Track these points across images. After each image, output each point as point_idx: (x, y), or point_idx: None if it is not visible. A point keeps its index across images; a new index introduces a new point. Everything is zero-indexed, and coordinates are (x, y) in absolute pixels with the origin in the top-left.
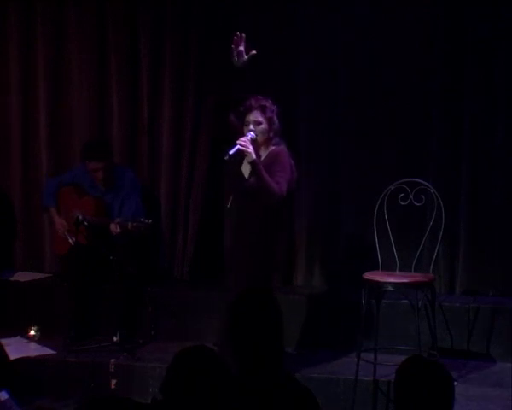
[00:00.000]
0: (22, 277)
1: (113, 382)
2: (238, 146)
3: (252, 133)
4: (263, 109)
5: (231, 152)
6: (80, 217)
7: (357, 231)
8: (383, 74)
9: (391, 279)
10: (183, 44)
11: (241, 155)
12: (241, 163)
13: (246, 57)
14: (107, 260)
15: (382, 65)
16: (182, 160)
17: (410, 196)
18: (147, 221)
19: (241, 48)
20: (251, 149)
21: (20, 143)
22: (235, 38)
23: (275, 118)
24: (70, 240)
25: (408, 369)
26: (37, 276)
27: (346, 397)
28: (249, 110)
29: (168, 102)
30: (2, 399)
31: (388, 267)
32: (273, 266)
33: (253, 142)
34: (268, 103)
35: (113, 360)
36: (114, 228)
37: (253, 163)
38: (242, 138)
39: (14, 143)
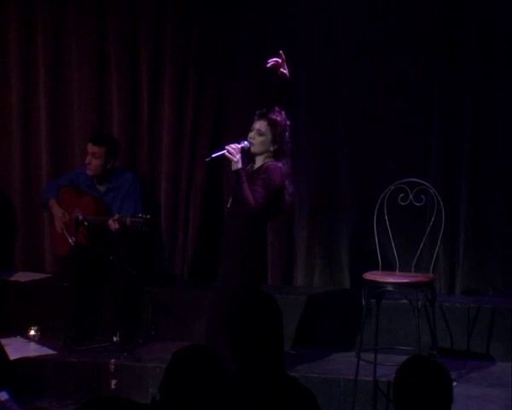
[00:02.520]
0: (22, 277)
1: (113, 382)
2: (225, 151)
3: (246, 142)
4: (271, 123)
5: (214, 155)
6: (80, 217)
7: (357, 231)
8: (383, 74)
9: (391, 279)
10: (183, 44)
11: (227, 160)
12: None
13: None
14: (107, 260)
15: (382, 65)
16: (182, 160)
17: (410, 196)
18: (145, 216)
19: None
20: (236, 158)
21: (21, 143)
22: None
23: (284, 135)
24: (70, 240)
25: (407, 367)
26: (37, 276)
27: (346, 397)
28: (259, 116)
29: (168, 102)
30: (2, 399)
31: (388, 267)
32: (248, 269)
33: (245, 151)
34: (280, 118)
35: (113, 360)
36: (113, 224)
37: (235, 172)
38: (232, 145)
39: (14, 143)
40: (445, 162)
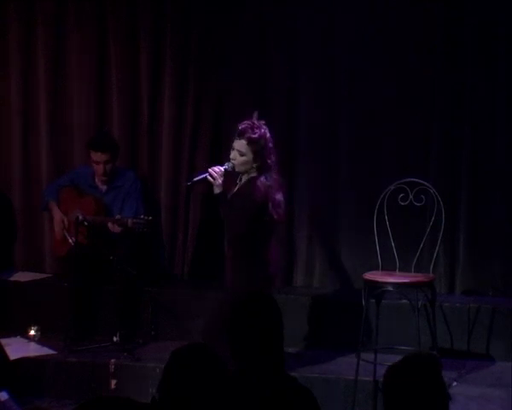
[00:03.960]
0: (22, 277)
1: (113, 382)
2: (207, 175)
3: (229, 164)
4: (250, 142)
5: (195, 179)
6: (80, 217)
7: (357, 231)
8: (383, 74)
9: (391, 279)
10: (183, 44)
11: (209, 183)
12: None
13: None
14: (107, 260)
15: (383, 65)
16: (182, 160)
17: (410, 196)
18: (147, 218)
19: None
20: (218, 183)
21: (21, 143)
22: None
23: (265, 150)
24: (70, 240)
25: (397, 366)
26: (37, 276)
27: (346, 397)
28: (238, 136)
29: (168, 102)
30: (3, 399)
31: (388, 267)
32: (251, 275)
33: (229, 172)
34: (259, 134)
35: (113, 360)
36: (114, 226)
37: (217, 196)
38: (216, 168)
39: (14, 143)
40: (445, 162)
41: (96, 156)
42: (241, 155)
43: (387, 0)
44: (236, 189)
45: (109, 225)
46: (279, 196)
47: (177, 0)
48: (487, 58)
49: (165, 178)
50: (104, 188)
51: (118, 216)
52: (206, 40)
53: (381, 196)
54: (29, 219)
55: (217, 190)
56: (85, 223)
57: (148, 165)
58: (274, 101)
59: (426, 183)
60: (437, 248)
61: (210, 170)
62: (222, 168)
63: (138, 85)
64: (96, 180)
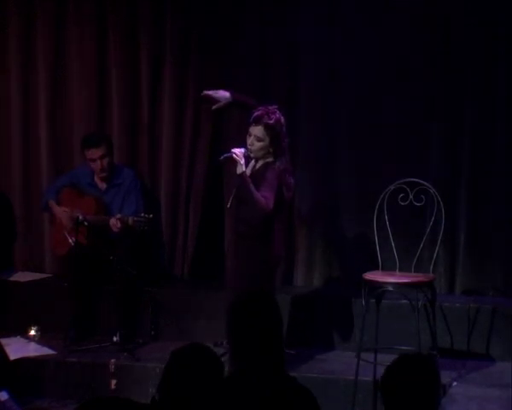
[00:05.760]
0: (22, 277)
1: (113, 382)
2: (232, 154)
3: (246, 150)
4: (267, 128)
5: (224, 156)
6: (80, 217)
7: (357, 231)
8: (384, 74)
9: (391, 279)
10: (183, 44)
11: (233, 162)
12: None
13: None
14: (107, 260)
15: (383, 65)
16: (182, 160)
17: (410, 196)
18: (147, 216)
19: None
20: (242, 162)
21: (20, 143)
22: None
23: (281, 135)
24: (70, 240)
25: (394, 367)
26: (37, 276)
27: (346, 397)
28: (255, 122)
29: (168, 102)
30: (2, 399)
31: (388, 267)
32: (262, 270)
33: (246, 155)
34: (275, 119)
35: (113, 360)
36: (115, 223)
37: (241, 175)
38: (238, 149)
39: (14, 144)
40: (445, 162)
41: (91, 153)
42: (259, 140)
43: (387, 0)
44: (251, 173)
45: (111, 221)
46: (291, 179)
47: (177, 0)
48: (487, 58)
49: (165, 178)
50: (104, 186)
51: (118, 216)
52: (206, 40)
53: (381, 195)
54: (29, 220)
55: (240, 169)
56: (85, 223)
57: (148, 165)
58: (274, 101)
59: (426, 183)
60: (437, 248)
61: (233, 150)
62: (242, 150)
63: (138, 85)
64: (95, 179)
